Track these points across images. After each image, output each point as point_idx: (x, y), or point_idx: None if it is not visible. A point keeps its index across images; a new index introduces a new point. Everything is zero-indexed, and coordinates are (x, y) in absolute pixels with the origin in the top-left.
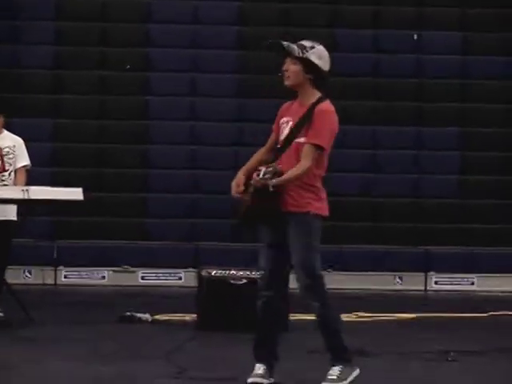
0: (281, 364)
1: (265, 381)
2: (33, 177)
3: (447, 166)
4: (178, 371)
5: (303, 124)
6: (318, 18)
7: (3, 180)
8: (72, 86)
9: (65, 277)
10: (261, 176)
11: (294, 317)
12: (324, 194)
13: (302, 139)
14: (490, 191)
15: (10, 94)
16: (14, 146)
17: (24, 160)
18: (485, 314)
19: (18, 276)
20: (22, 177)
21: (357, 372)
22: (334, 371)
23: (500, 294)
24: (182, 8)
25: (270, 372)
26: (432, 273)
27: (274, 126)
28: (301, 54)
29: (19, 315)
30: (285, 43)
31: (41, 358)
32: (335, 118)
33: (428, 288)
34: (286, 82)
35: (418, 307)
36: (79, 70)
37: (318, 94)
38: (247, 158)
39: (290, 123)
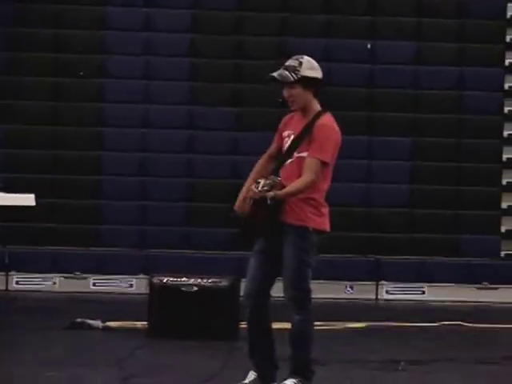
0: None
1: None
2: None
3: (398, 175)
4: (126, 377)
5: (303, 138)
6: (268, 26)
7: None
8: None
9: (16, 283)
10: (259, 188)
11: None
12: (326, 209)
13: (304, 153)
14: (441, 201)
15: None
16: None
17: None
18: (435, 324)
19: None
20: None
21: None
22: (289, 382)
23: (450, 303)
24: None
25: (264, 381)
26: (383, 282)
27: (275, 138)
28: (296, 77)
29: None
30: (276, 75)
31: None
32: (337, 131)
33: (379, 297)
34: (294, 107)
35: (369, 316)
36: (33, 76)
37: (318, 107)
38: (200, 165)
39: (292, 136)
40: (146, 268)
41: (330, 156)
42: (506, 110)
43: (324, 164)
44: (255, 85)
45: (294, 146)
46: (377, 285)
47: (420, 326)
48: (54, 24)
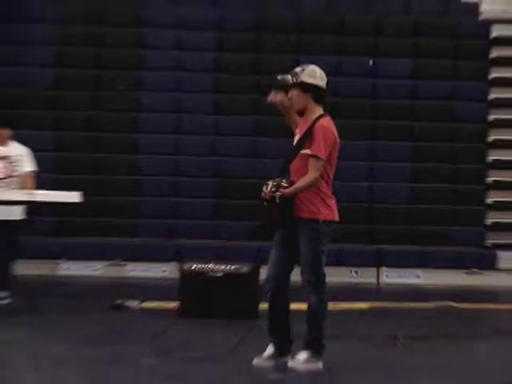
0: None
1: (268, 363)
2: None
3: (399, 175)
4: (160, 352)
5: (306, 138)
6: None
7: (10, 185)
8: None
9: (65, 269)
10: (268, 189)
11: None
12: (332, 201)
13: (307, 151)
14: (435, 198)
15: (15, 111)
16: (21, 155)
17: (30, 166)
18: (429, 304)
19: (24, 267)
20: (30, 181)
21: (320, 366)
22: (302, 355)
23: (442, 286)
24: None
25: (281, 353)
26: (383, 268)
27: None
28: (295, 80)
29: (23, 302)
30: (279, 77)
31: (36, 339)
32: (331, 131)
33: (380, 281)
34: (295, 108)
35: (371, 298)
36: (77, 90)
37: (320, 111)
38: (225, 166)
39: (297, 136)
40: (177, 256)
41: (322, 152)
42: (491, 118)
43: (319, 158)
44: None
45: (299, 145)
46: (378, 270)
47: (416, 306)
48: (95, 44)
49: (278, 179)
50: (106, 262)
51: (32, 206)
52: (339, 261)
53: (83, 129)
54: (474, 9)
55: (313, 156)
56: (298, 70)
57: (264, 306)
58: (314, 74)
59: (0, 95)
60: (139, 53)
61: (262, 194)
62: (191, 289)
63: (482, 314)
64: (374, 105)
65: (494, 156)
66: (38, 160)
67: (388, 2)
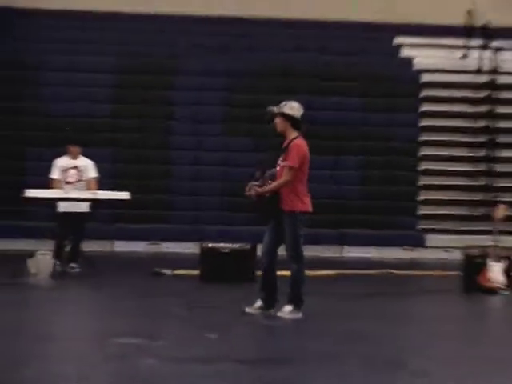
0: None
1: (256, 311)
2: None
3: (355, 180)
4: (187, 304)
5: (284, 153)
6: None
7: (79, 187)
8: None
9: (118, 247)
10: (247, 190)
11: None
12: (306, 198)
13: (284, 163)
14: (381, 196)
15: (84, 134)
16: (86, 165)
17: (93, 174)
18: (376, 271)
19: (89, 245)
20: (93, 185)
21: (300, 316)
22: (286, 308)
23: (386, 259)
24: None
25: (267, 307)
26: (346, 246)
27: None
28: (278, 110)
29: (89, 270)
30: (269, 108)
31: (96, 295)
32: (303, 148)
33: (343, 255)
34: (278, 130)
35: (337, 267)
36: (127, 119)
37: (294, 134)
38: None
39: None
40: (198, 238)
41: (295, 162)
42: (420, 139)
43: (292, 168)
44: None
45: (280, 159)
46: (342, 247)
47: (368, 272)
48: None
49: (252, 183)
50: (148, 242)
51: (94, 202)
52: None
53: (132, 147)
54: (409, 62)
55: (287, 166)
56: (282, 104)
57: (258, 273)
58: (292, 107)
59: (71, 124)
60: (169, 93)
61: (246, 193)
62: (208, 261)
63: (412, 279)
64: (336, 131)
65: (423, 166)
66: (100, 169)
67: (345, 58)
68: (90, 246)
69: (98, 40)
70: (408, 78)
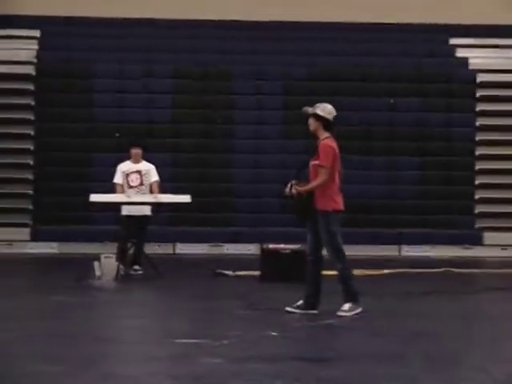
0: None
1: (298, 310)
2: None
3: (413, 182)
4: (248, 305)
5: (316, 153)
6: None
7: (142, 190)
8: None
9: (179, 249)
10: (287, 190)
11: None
12: (338, 196)
13: (315, 162)
14: (441, 196)
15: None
16: (149, 170)
17: (155, 177)
18: (434, 270)
19: (151, 248)
20: (155, 188)
21: (360, 309)
22: (345, 306)
23: (446, 257)
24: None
25: (309, 307)
26: (404, 245)
27: None
28: (311, 111)
29: (152, 272)
30: (304, 108)
31: (159, 297)
32: (332, 147)
33: (401, 254)
34: (310, 129)
35: (393, 266)
36: (188, 124)
37: (325, 134)
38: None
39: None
40: (259, 239)
41: (327, 162)
42: (477, 138)
43: (323, 166)
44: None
45: (312, 158)
46: (399, 246)
47: (427, 271)
48: (201, 93)
49: (293, 181)
50: (209, 244)
51: (156, 205)
52: (375, 240)
53: (193, 151)
54: (465, 62)
55: (319, 166)
56: (317, 105)
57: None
58: (324, 109)
59: (134, 130)
60: (229, 98)
61: (286, 192)
62: (269, 262)
63: (473, 277)
64: (393, 131)
65: (480, 165)
66: (161, 173)
67: (401, 59)
68: (152, 249)
69: (153, 47)
70: (464, 78)
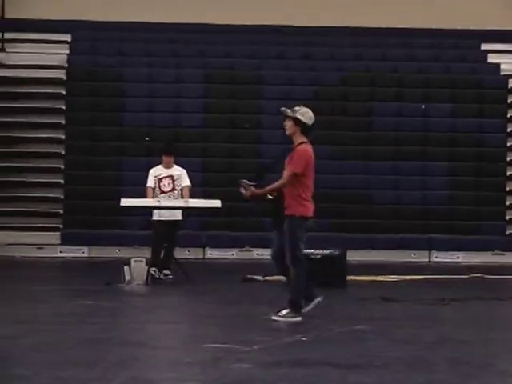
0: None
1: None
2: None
3: (444, 187)
4: (278, 310)
5: (291, 157)
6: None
7: (174, 195)
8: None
9: (209, 254)
10: (242, 190)
11: (350, 277)
12: (308, 202)
13: (287, 167)
14: (468, 202)
15: (176, 144)
16: (180, 174)
17: (187, 182)
18: (466, 276)
19: (181, 253)
20: (186, 193)
21: (298, 319)
22: (283, 311)
23: (474, 263)
24: None
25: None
26: (434, 251)
27: None
28: (291, 114)
29: (181, 277)
30: (283, 109)
31: (189, 301)
32: (307, 154)
33: (431, 260)
34: (286, 132)
35: (424, 272)
36: (218, 128)
37: (302, 139)
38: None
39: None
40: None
41: (299, 168)
42: (509, 144)
43: (294, 173)
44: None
45: (286, 163)
46: (430, 252)
47: (456, 277)
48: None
49: (244, 181)
50: (239, 249)
51: (187, 210)
52: (401, 245)
53: (223, 156)
54: (496, 68)
55: (289, 169)
56: (296, 107)
57: (351, 278)
58: (304, 114)
59: (164, 134)
60: (258, 102)
61: (243, 194)
62: None
63: (505, 283)
64: (425, 137)
65: (511, 171)
66: (191, 178)
67: (432, 65)
68: (181, 254)
69: (184, 51)
70: (496, 84)
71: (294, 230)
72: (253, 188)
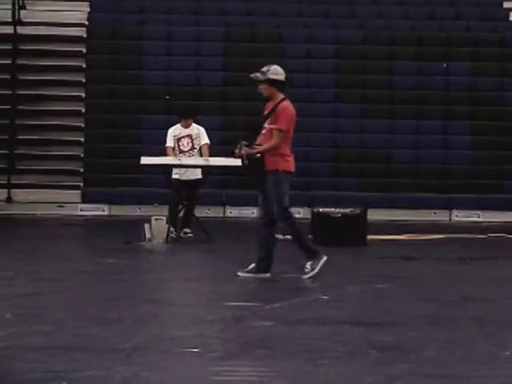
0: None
1: (249, 274)
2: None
3: (467, 146)
4: (298, 269)
5: (271, 115)
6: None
7: (193, 154)
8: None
9: (229, 212)
10: (237, 150)
11: (371, 236)
12: (290, 157)
13: (272, 126)
14: (492, 162)
15: (197, 102)
16: (199, 133)
17: (205, 140)
18: (486, 236)
19: (201, 211)
20: (205, 151)
21: (324, 259)
22: (307, 266)
23: (496, 223)
24: None
25: (261, 270)
26: (454, 210)
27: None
28: (263, 78)
29: (202, 236)
30: (252, 75)
31: (209, 260)
32: (291, 111)
33: (452, 219)
34: (264, 94)
35: (445, 231)
36: (238, 86)
37: (281, 96)
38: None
39: (265, 112)
40: (309, 203)
41: (285, 125)
42: None
43: (281, 131)
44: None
45: (265, 120)
46: (450, 212)
47: (477, 237)
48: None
49: (242, 142)
50: (259, 207)
51: (207, 168)
52: (423, 205)
53: (243, 114)
54: None
55: (277, 129)
56: (264, 69)
57: (371, 237)
58: (276, 72)
59: (185, 92)
60: (280, 61)
61: (236, 153)
62: (319, 226)
63: None
64: (446, 96)
65: None
66: (210, 136)
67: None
68: (202, 212)
69: (203, 9)
70: None
71: (278, 183)
72: (246, 148)
